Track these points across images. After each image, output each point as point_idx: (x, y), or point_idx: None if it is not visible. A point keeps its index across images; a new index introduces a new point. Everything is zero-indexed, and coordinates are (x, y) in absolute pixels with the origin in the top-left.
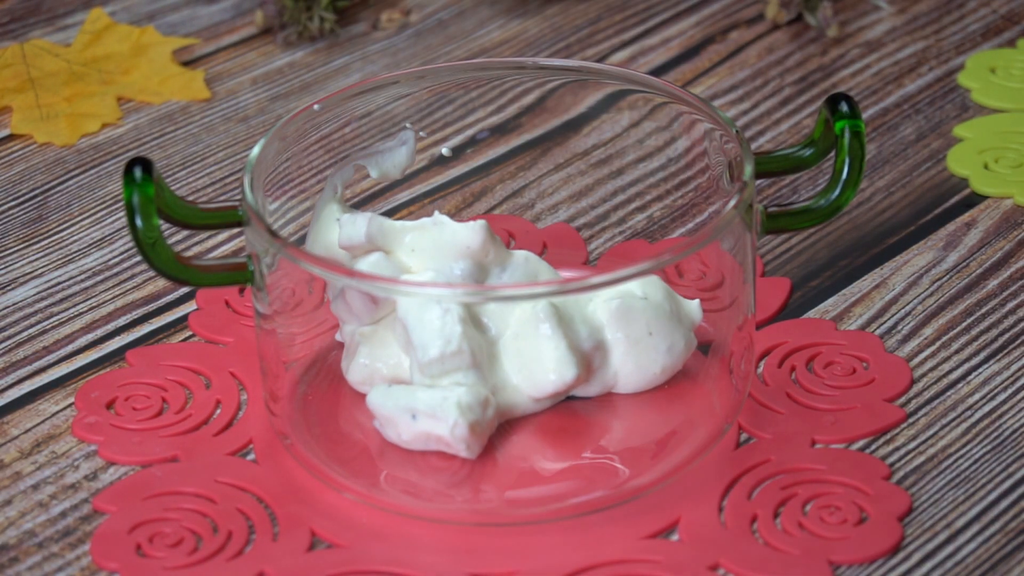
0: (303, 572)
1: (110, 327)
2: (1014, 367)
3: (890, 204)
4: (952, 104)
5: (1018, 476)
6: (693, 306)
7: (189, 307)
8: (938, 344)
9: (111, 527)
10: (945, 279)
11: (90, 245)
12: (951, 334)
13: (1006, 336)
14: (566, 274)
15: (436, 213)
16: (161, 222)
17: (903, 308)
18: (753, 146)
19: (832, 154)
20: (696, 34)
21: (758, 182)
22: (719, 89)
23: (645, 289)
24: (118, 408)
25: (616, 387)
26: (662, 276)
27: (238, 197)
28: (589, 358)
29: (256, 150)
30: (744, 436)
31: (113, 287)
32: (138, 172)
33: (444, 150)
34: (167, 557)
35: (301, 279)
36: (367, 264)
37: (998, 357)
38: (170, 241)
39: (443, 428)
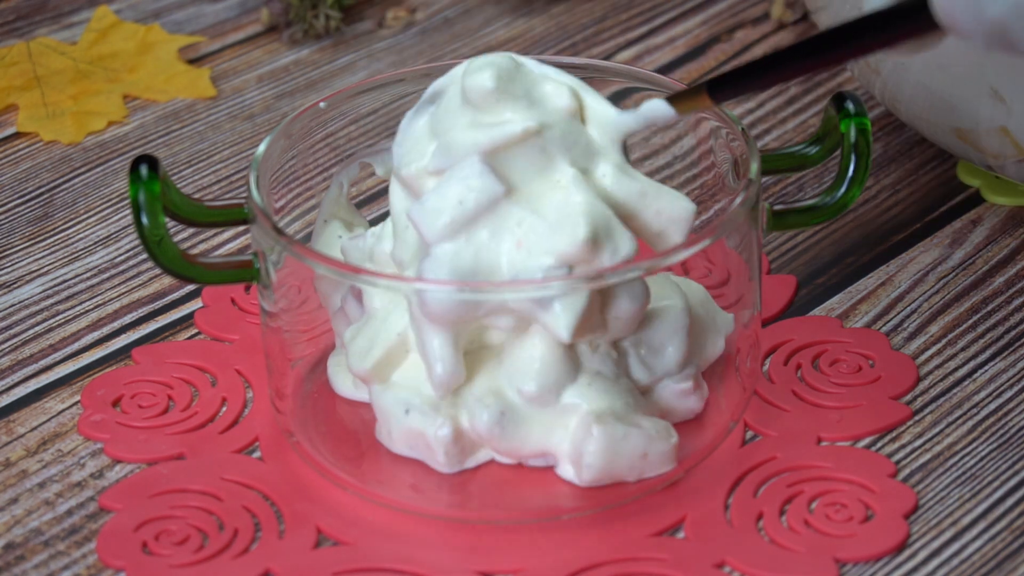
0: (309, 569)
1: (116, 325)
2: (1020, 364)
3: (896, 201)
4: None
5: None
6: (728, 318)
7: (195, 305)
8: (944, 341)
9: (117, 525)
10: (951, 276)
11: (96, 243)
12: (957, 331)
13: (1012, 333)
14: None
15: None
16: (167, 220)
17: (909, 306)
18: (759, 144)
19: (838, 152)
20: (702, 33)
21: (764, 180)
22: None
23: (684, 288)
24: (124, 406)
25: None
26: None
27: (244, 195)
28: None
29: (262, 148)
30: (750, 434)
31: (119, 285)
32: (144, 170)
33: None
34: (173, 555)
35: (307, 277)
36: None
37: (1004, 354)
38: (176, 239)
39: (429, 427)
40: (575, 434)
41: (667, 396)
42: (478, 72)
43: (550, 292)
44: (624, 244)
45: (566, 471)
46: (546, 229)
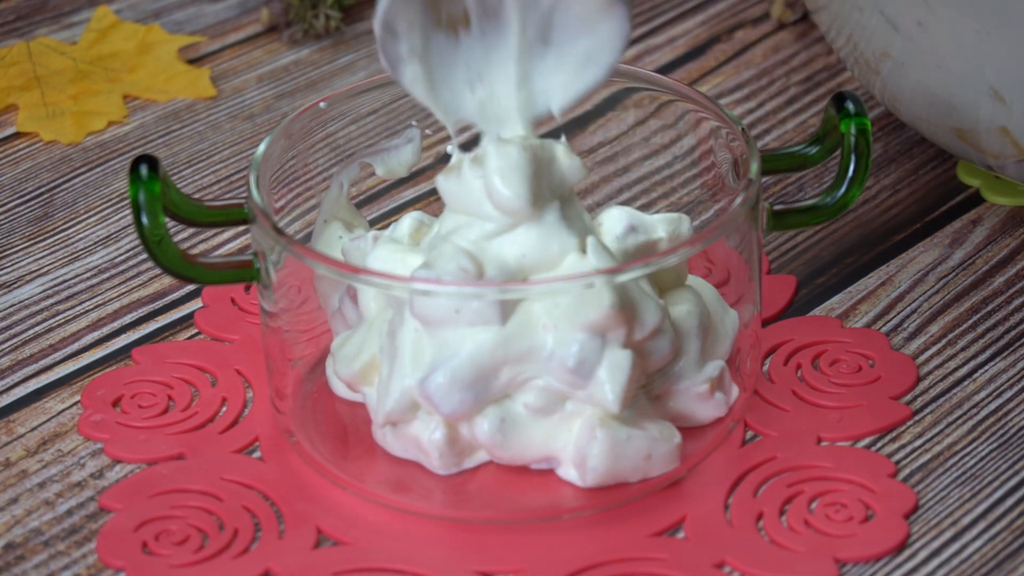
0: (309, 570)
1: (116, 325)
2: (1020, 364)
3: (896, 201)
4: None
5: None
6: (734, 316)
7: (195, 305)
8: (944, 341)
9: (117, 525)
10: (951, 276)
11: (96, 243)
12: (957, 331)
13: (1012, 333)
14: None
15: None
16: (167, 220)
17: (909, 305)
18: (759, 144)
19: (838, 152)
20: (702, 33)
21: (764, 180)
22: (725, 88)
23: (696, 287)
24: (124, 406)
25: None
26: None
27: (244, 195)
28: None
29: (262, 148)
30: (750, 434)
31: (119, 285)
32: (144, 170)
33: (450, 148)
34: (173, 555)
35: (307, 277)
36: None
37: (1004, 355)
38: (176, 239)
39: (422, 431)
40: (578, 438)
41: (685, 401)
42: (506, 185)
43: (569, 286)
44: (650, 315)
45: (569, 474)
46: (572, 303)
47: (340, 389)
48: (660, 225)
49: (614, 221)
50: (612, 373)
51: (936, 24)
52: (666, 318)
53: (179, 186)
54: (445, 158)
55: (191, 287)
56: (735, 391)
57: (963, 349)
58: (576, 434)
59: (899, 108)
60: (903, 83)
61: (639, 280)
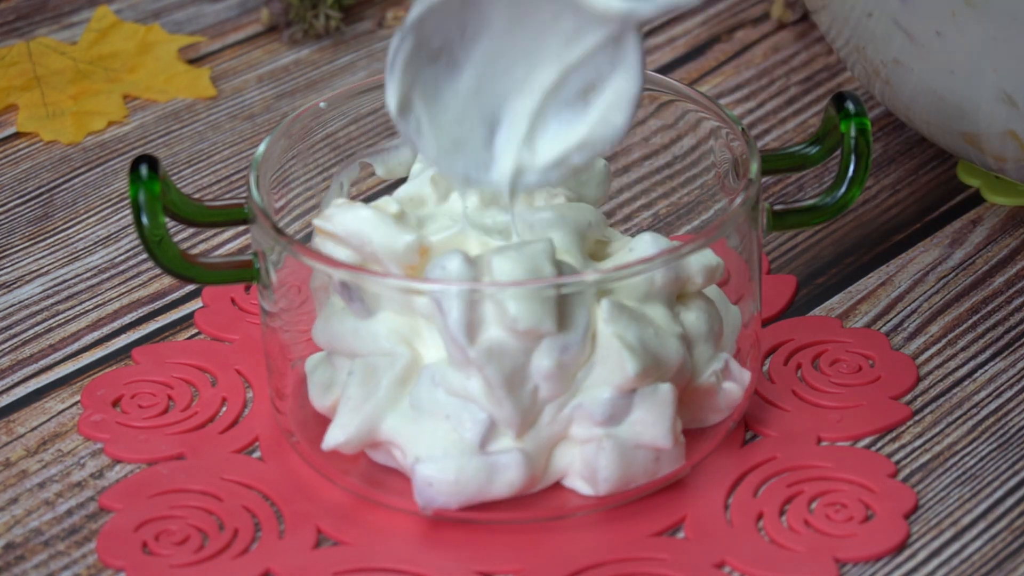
0: (309, 570)
1: (116, 325)
2: (1020, 364)
3: (896, 201)
4: None
5: None
6: (736, 312)
7: (195, 305)
8: (944, 341)
9: (117, 525)
10: (951, 276)
11: (96, 243)
12: (957, 331)
13: (1012, 333)
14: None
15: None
16: (167, 220)
17: (909, 305)
18: (759, 144)
19: (838, 152)
20: (702, 33)
21: (764, 180)
22: (725, 88)
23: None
24: (124, 406)
25: None
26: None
27: (244, 195)
28: None
29: (262, 148)
30: (750, 434)
31: (119, 285)
32: (144, 170)
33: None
34: (173, 555)
35: (307, 277)
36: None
37: (1004, 355)
38: (176, 239)
39: (400, 455)
40: (585, 451)
41: (698, 399)
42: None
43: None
44: (672, 356)
45: (576, 485)
46: (592, 364)
47: None
48: (693, 257)
49: (648, 251)
50: (658, 411)
51: (955, 33)
52: (685, 350)
53: (179, 186)
54: None
55: (191, 287)
56: (746, 375)
57: (963, 349)
58: (582, 447)
59: (899, 109)
60: (907, 86)
61: (655, 311)
